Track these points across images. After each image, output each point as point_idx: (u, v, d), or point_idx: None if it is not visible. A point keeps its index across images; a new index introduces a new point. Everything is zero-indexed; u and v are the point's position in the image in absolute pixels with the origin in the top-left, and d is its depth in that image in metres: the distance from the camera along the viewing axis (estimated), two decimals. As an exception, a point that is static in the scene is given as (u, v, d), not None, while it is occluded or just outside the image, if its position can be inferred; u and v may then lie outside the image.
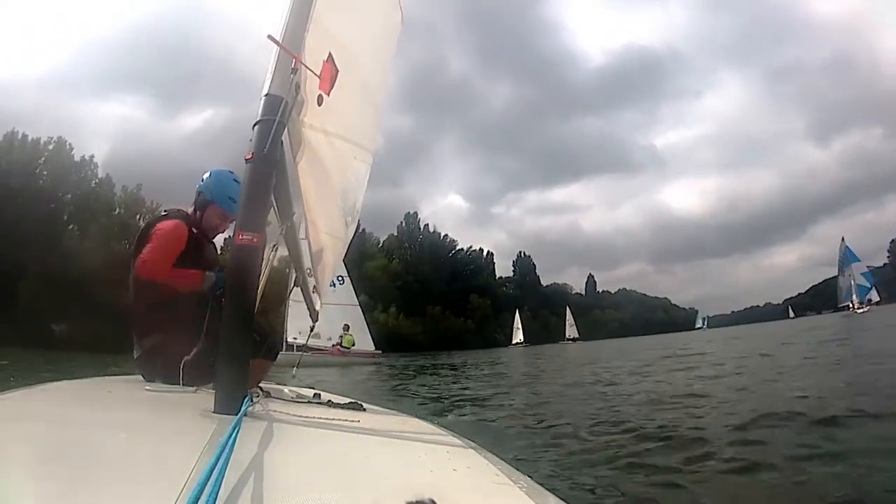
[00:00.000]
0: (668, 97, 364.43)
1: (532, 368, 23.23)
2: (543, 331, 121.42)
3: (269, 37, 2.62)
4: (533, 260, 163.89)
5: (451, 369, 24.67)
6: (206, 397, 2.41)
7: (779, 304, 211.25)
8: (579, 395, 11.32)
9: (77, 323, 44.14)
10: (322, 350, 30.40)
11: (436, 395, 12.76)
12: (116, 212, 57.10)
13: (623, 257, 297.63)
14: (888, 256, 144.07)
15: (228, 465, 1.27)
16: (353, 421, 2.56)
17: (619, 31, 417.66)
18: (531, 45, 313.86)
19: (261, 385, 3.34)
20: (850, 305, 70.52)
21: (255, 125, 2.58)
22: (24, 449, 1.46)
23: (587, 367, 20.46)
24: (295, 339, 26.58)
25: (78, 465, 1.34)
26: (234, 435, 1.48)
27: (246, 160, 2.52)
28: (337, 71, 2.95)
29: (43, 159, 55.29)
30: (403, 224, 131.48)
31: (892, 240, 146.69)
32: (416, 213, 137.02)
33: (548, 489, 1.80)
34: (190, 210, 3.88)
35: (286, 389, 3.85)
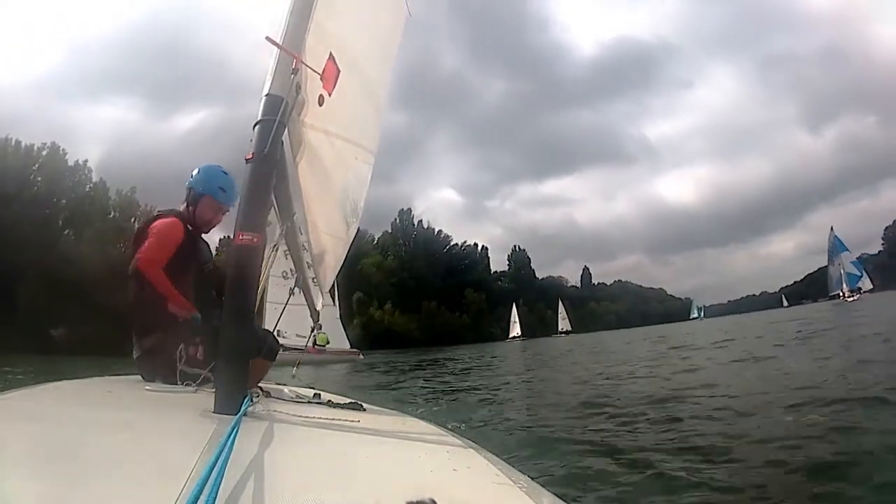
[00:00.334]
0: (659, 88, 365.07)
1: (517, 365, 23.36)
2: (539, 324, 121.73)
3: (268, 38, 2.63)
4: (528, 253, 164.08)
5: (431, 366, 25.31)
6: (206, 397, 2.40)
7: (775, 293, 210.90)
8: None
9: (75, 327, 44.19)
10: (296, 349, 30.10)
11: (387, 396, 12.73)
12: (111, 215, 57.45)
13: (618, 249, 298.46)
14: (882, 243, 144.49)
15: (228, 465, 1.27)
16: (353, 421, 2.56)
17: (609, 23, 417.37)
18: (523, 39, 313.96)
19: (261, 385, 3.34)
20: (841, 294, 72.12)
21: (255, 125, 2.58)
22: (24, 449, 1.46)
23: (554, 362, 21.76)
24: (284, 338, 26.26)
25: (78, 465, 1.34)
26: (233, 435, 1.48)
27: (246, 160, 2.52)
28: (338, 71, 2.96)
29: (37, 165, 55.73)
30: (397, 220, 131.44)
31: (886, 227, 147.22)
32: (409, 210, 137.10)
33: (548, 489, 1.80)
34: (182, 207, 3.87)
35: (286, 389, 3.84)
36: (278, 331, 3.97)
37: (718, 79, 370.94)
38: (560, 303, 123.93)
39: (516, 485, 1.69)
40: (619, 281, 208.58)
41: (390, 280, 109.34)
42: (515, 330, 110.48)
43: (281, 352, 3.55)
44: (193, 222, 3.83)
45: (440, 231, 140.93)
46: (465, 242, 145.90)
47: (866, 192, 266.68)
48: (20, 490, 1.18)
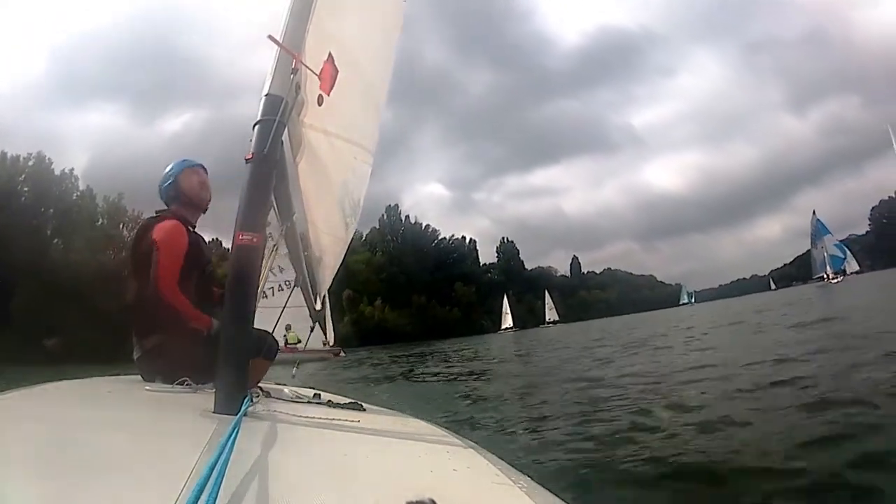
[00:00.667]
0: (643, 76, 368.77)
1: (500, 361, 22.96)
2: (529, 315, 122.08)
3: (270, 37, 2.63)
4: (516, 245, 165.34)
5: (409, 361, 25.75)
6: (206, 397, 2.40)
7: (764, 276, 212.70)
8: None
9: (68, 337, 44.17)
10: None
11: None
12: (99, 223, 57.39)
13: (607, 237, 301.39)
14: (869, 224, 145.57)
15: (228, 465, 1.26)
16: (353, 421, 2.56)
17: (591, 12, 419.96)
18: (506, 31, 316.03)
19: (261, 385, 3.34)
20: (825, 276, 73.22)
21: (255, 125, 2.58)
22: (24, 449, 1.46)
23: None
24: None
25: (78, 465, 1.33)
26: (233, 435, 1.47)
27: (246, 160, 2.52)
28: (337, 71, 2.95)
29: (23, 176, 55.62)
30: (385, 217, 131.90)
31: (872, 207, 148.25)
32: (396, 206, 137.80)
33: (548, 489, 1.80)
34: (171, 206, 3.81)
35: (286, 389, 3.83)
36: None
37: (702, 65, 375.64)
38: (546, 293, 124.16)
39: (516, 485, 1.69)
40: (609, 269, 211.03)
41: (379, 276, 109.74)
42: (508, 321, 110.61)
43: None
44: (186, 214, 3.78)
45: (428, 225, 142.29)
46: (452, 236, 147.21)
47: (851, 172, 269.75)
48: (20, 490, 1.18)
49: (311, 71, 2.74)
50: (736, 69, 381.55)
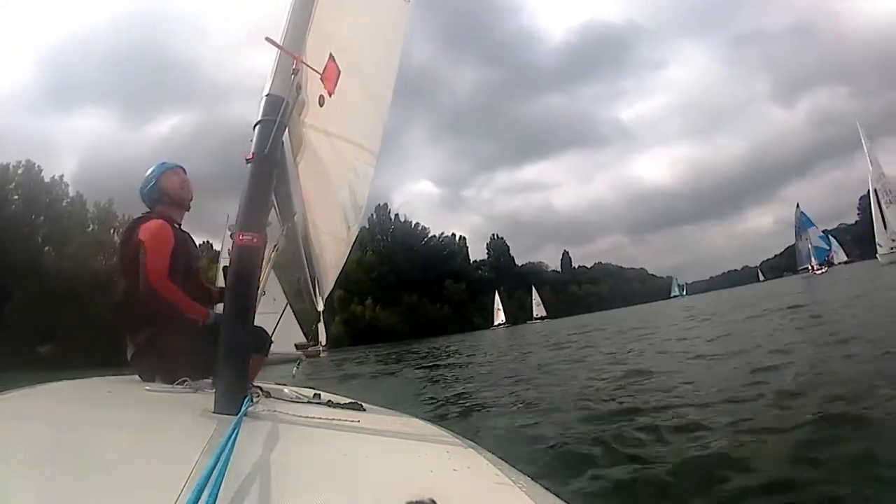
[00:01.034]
0: (630, 70, 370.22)
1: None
2: (520, 311, 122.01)
3: (268, 39, 2.64)
4: (506, 241, 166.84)
5: (391, 360, 27.18)
6: (206, 397, 2.40)
7: (755, 267, 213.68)
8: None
9: (62, 342, 44.23)
10: None
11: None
12: (90, 229, 57.63)
13: (598, 231, 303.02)
14: (858, 213, 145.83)
15: (228, 465, 1.26)
16: (353, 421, 2.55)
17: (577, 6, 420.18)
18: (492, 27, 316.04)
19: (261, 385, 3.32)
20: (810, 267, 74.62)
21: (255, 125, 2.59)
22: (24, 449, 1.46)
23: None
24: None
25: (78, 465, 1.33)
26: (234, 435, 1.48)
27: (246, 160, 2.53)
28: (339, 71, 2.96)
29: (13, 184, 55.73)
30: (374, 216, 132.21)
31: (861, 196, 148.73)
32: (385, 205, 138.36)
33: (548, 489, 1.81)
34: (155, 208, 3.85)
35: (286, 389, 3.82)
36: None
37: (690, 58, 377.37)
38: (533, 289, 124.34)
39: (516, 485, 1.69)
40: (600, 263, 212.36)
41: (370, 275, 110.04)
42: (500, 317, 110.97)
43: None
44: (172, 215, 3.83)
45: (417, 224, 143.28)
46: (442, 234, 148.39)
47: (840, 163, 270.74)
48: (20, 490, 1.18)
49: (315, 70, 2.74)
50: (723, 62, 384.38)
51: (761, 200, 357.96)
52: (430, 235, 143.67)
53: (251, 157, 2.52)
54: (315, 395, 3.62)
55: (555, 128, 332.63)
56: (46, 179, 58.72)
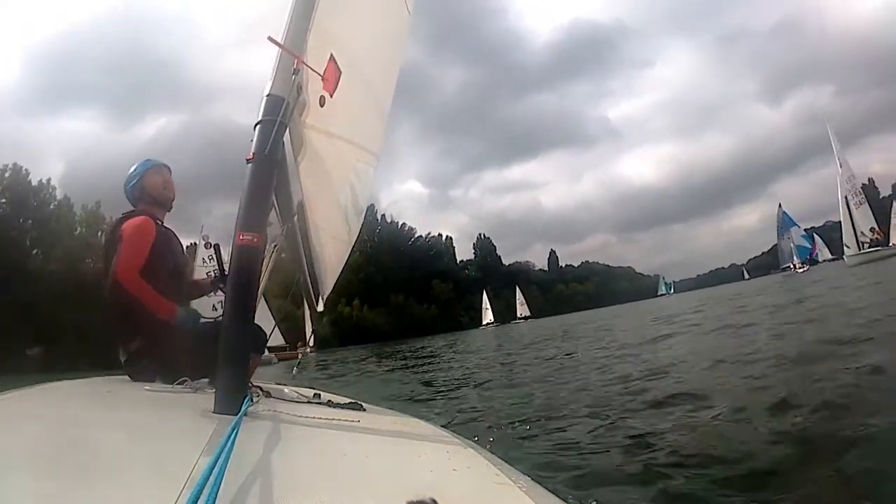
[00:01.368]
0: (618, 69, 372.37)
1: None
2: (507, 310, 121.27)
3: (270, 38, 2.63)
4: (493, 241, 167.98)
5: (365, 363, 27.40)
6: (206, 397, 2.39)
7: (743, 265, 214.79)
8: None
9: (51, 345, 44.16)
10: None
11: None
12: (78, 231, 57.42)
13: (586, 230, 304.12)
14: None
15: (228, 466, 1.26)
16: (353, 421, 2.55)
17: (564, 6, 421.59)
18: (479, 27, 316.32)
19: (260, 385, 3.32)
20: (792, 266, 74.85)
21: (256, 125, 2.58)
22: (24, 449, 1.46)
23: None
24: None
25: (78, 465, 1.33)
26: (233, 435, 1.47)
27: (247, 160, 2.52)
28: (340, 72, 2.95)
29: (1, 188, 55.26)
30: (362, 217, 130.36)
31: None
32: (373, 205, 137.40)
33: (548, 489, 1.82)
34: (138, 206, 3.85)
35: (286, 389, 3.83)
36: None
37: (677, 57, 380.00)
38: (517, 289, 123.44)
39: (516, 485, 1.69)
40: (587, 262, 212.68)
41: (357, 276, 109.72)
42: (488, 317, 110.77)
43: None
44: (155, 214, 3.82)
45: (404, 224, 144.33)
46: (429, 234, 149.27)
47: (827, 160, 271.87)
48: (20, 490, 1.17)
49: (315, 71, 2.74)
50: (711, 61, 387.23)
51: (750, 198, 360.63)
52: (416, 236, 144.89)
53: (252, 157, 2.51)
54: (315, 395, 3.61)
55: (543, 127, 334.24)
56: (34, 183, 58.88)
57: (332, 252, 3.72)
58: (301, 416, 2.49)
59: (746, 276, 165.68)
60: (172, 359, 3.21)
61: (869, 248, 49.97)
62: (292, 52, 2.63)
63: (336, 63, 2.92)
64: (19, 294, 45.47)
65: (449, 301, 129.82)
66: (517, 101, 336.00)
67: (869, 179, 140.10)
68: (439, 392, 10.75)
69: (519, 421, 6.34)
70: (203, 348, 2.41)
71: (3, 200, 55.14)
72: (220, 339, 2.30)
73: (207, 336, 2.62)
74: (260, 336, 3.45)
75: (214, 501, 1.08)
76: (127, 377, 3.44)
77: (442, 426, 3.15)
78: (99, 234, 52.72)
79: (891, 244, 51.08)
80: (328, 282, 3.86)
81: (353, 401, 3.30)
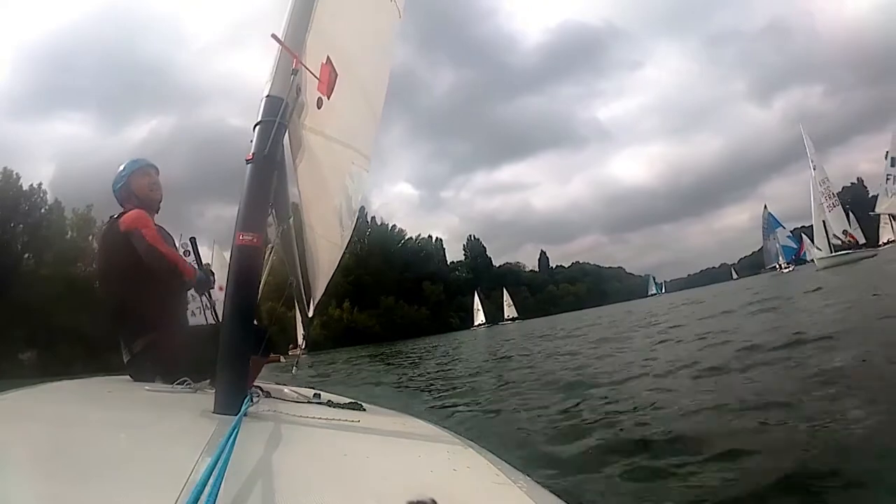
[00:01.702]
0: (607, 70, 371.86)
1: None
2: (498, 311, 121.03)
3: (273, 36, 2.63)
4: (483, 242, 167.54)
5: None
6: (206, 397, 2.40)
7: (733, 265, 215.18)
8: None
9: (44, 349, 43.99)
10: None
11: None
12: (69, 235, 57.20)
13: (577, 231, 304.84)
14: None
15: (228, 466, 1.26)
16: (353, 421, 2.56)
17: (553, 8, 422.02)
18: (469, 29, 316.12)
19: (261, 385, 3.33)
20: (777, 266, 75.71)
21: (255, 126, 2.58)
22: (24, 449, 1.45)
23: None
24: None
25: (78, 465, 1.33)
26: (234, 435, 1.47)
27: (246, 161, 2.52)
28: (336, 74, 2.95)
29: (-7, 193, 54.85)
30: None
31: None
32: (362, 207, 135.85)
33: (548, 489, 1.82)
34: (125, 206, 3.85)
35: (286, 389, 3.83)
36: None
37: (667, 58, 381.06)
38: (504, 290, 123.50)
39: (516, 485, 1.70)
40: (578, 263, 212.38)
41: (347, 278, 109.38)
42: (480, 318, 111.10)
43: None
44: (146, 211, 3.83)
45: (394, 226, 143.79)
46: (419, 236, 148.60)
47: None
48: (20, 490, 1.17)
49: (311, 72, 2.74)
50: (700, 62, 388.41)
51: (740, 198, 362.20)
52: (406, 237, 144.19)
53: (251, 157, 2.51)
54: (315, 395, 3.62)
55: (533, 128, 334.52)
56: (25, 187, 58.86)
57: (324, 255, 3.72)
58: (301, 416, 2.50)
59: (735, 276, 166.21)
60: (175, 359, 3.21)
61: (841, 250, 50.77)
62: (293, 51, 2.63)
63: (332, 65, 2.91)
64: (11, 298, 45.32)
65: (440, 303, 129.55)
66: (507, 102, 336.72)
67: (858, 179, 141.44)
68: (413, 385, 12.52)
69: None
70: (206, 348, 2.40)
71: (-6, 206, 54.84)
72: (220, 339, 2.31)
73: (210, 337, 2.60)
74: (263, 338, 3.46)
75: (214, 502, 1.08)
76: (127, 377, 3.45)
77: (442, 426, 3.13)
78: (90, 237, 52.67)
79: (880, 244, 51.31)
80: (320, 285, 3.87)
81: (353, 401, 3.31)
